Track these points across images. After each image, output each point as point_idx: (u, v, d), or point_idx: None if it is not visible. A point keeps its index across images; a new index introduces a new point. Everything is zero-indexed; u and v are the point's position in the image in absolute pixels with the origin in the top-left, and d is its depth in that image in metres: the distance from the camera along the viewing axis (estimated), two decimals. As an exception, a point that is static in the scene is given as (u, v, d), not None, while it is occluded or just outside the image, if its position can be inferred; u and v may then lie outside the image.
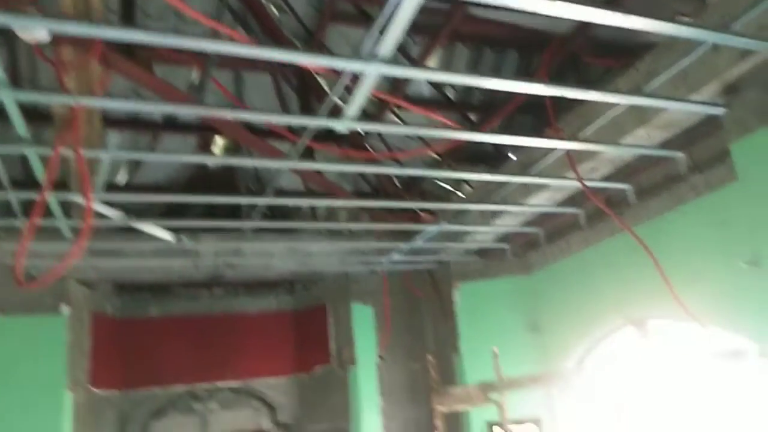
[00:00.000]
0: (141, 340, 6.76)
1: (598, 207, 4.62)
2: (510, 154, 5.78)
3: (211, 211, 6.48)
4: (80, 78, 3.09)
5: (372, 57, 2.48)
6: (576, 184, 4.32)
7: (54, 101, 2.55)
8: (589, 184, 4.34)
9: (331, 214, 6.99)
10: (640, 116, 3.78)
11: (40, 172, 2.94)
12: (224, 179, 6.54)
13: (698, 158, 4.28)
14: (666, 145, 4.15)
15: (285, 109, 5.35)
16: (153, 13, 4.25)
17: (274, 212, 6.85)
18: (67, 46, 2.81)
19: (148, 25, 4.27)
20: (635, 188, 4.80)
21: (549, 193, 4.80)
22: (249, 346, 7.24)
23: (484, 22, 4.80)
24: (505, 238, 6.03)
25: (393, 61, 2.53)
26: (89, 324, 5.93)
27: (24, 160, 4.30)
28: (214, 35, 2.54)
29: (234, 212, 6.14)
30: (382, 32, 2.38)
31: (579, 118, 4.21)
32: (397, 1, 2.16)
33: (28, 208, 4.11)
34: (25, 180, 4.92)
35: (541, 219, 5.65)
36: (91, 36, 2.15)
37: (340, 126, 2.97)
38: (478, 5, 4.49)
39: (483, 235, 5.72)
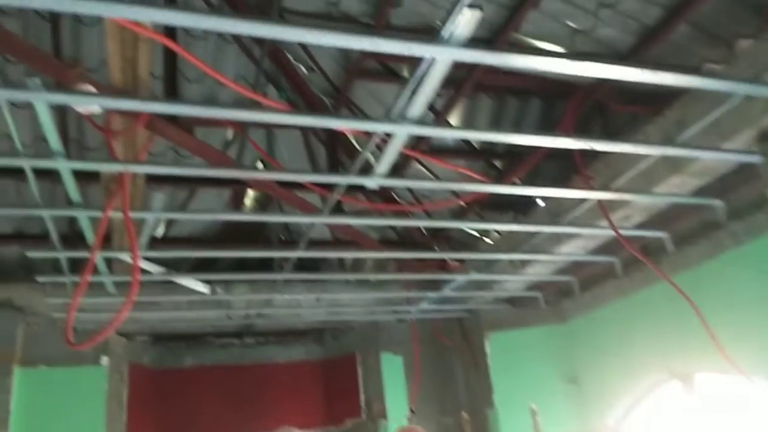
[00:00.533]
0: (175, 390, 6.83)
1: (634, 255, 4.59)
2: (538, 201, 5.83)
3: (243, 261, 6.63)
4: (127, 143, 3.27)
5: (402, 118, 2.58)
6: (609, 232, 4.30)
7: (105, 168, 2.70)
8: (623, 232, 4.31)
9: (358, 263, 7.07)
10: (672, 164, 3.77)
11: (89, 232, 3.09)
12: (255, 229, 6.68)
13: (736, 205, 4.22)
14: (702, 192, 4.10)
15: (313, 162, 5.51)
16: (193, 77, 4.47)
17: (302, 262, 6.94)
18: (116, 115, 2.99)
19: (189, 88, 4.50)
20: (672, 236, 4.74)
21: (581, 241, 4.80)
22: (279, 397, 7.24)
23: (507, 73, 4.92)
24: (537, 286, 6.01)
25: (421, 120, 2.63)
26: (127, 375, 6.03)
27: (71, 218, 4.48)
28: (252, 103, 2.68)
29: (265, 262, 6.26)
30: (413, 93, 2.49)
31: (609, 166, 4.22)
32: (428, 66, 2.27)
33: (74, 263, 4.28)
34: (70, 234, 5.12)
35: (574, 267, 5.62)
36: (140, 110, 2.30)
37: (371, 183, 3.07)
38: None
39: (513, 283, 5.71)
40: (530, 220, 5.05)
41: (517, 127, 5.53)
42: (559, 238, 4.82)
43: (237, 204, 6.30)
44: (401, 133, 2.66)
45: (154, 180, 5.20)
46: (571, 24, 3.91)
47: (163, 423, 6.64)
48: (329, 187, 3.56)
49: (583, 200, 4.28)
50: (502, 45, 4.38)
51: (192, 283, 4.55)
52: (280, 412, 7.15)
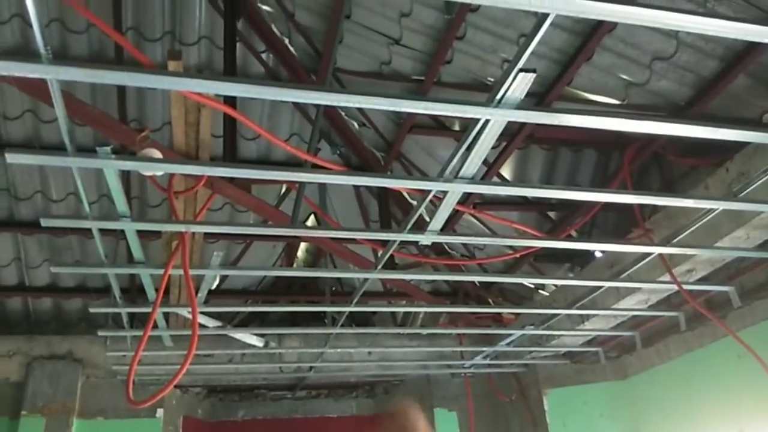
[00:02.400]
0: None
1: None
2: (597, 252, 5.68)
3: (296, 313, 6.68)
4: (188, 201, 3.38)
5: (456, 177, 2.58)
6: (672, 286, 4.14)
7: (167, 228, 2.79)
8: (686, 286, 4.14)
9: (410, 315, 7.00)
10: (737, 217, 3.63)
11: (150, 288, 3.18)
12: (308, 281, 6.74)
13: (805, 257, 4.03)
14: (768, 245, 3.93)
15: (365, 215, 5.56)
16: (250, 135, 4.62)
17: (353, 314, 6.94)
18: (179, 176, 3.10)
19: (247, 145, 4.65)
20: (738, 290, 4.53)
21: (642, 295, 4.62)
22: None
23: (560, 126, 4.88)
24: (597, 341, 5.79)
25: (475, 177, 2.62)
26: (181, 427, 6.07)
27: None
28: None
29: (317, 313, 6.30)
30: (466, 150, 2.48)
31: (670, 218, 4.09)
32: (481, 125, 2.27)
33: (132, 316, 4.41)
34: (130, 287, 5.29)
35: (636, 321, 5.40)
36: (201, 174, 2.37)
37: (425, 239, 3.06)
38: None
39: (572, 338, 5.52)
40: (588, 274, 4.91)
41: (572, 179, 5.46)
42: (619, 292, 4.65)
43: (290, 256, 6.39)
44: (456, 191, 2.66)
45: (211, 235, 5.37)
46: (625, 77, 3.87)
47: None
48: (381, 241, 3.57)
49: (641, 257, 4.14)
50: (554, 99, 4.38)
51: (246, 336, 4.59)
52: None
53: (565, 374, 6.09)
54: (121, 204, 2.36)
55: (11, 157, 1.91)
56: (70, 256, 5.33)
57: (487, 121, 2.24)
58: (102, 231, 3.02)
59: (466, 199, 5.31)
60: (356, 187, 5.53)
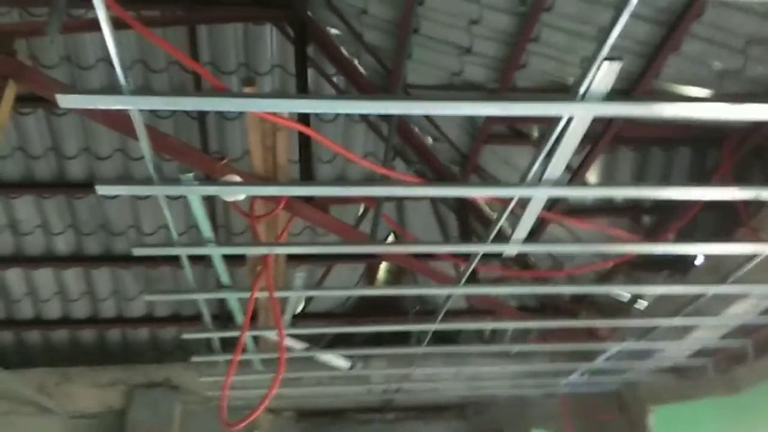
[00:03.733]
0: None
1: (817, 314, 3.97)
2: (698, 258, 5.29)
3: (380, 334, 6.61)
4: (269, 225, 3.40)
5: (538, 181, 2.44)
6: (786, 289, 3.77)
7: (251, 251, 2.81)
8: (802, 289, 3.76)
9: (497, 333, 6.75)
10: None
11: (238, 312, 3.22)
12: (391, 302, 6.67)
13: None
14: None
15: (444, 230, 5.43)
16: (325, 158, 4.65)
17: (438, 333, 6.78)
18: (259, 200, 3.13)
19: (323, 169, 4.68)
20: None
21: (753, 300, 4.23)
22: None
23: (649, 124, 4.61)
24: (703, 352, 5.34)
25: (559, 181, 2.47)
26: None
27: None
28: (383, 178, 2.68)
29: (401, 334, 6.20)
30: (548, 154, 2.35)
31: (777, 215, 3.76)
32: (563, 125, 2.13)
33: (223, 342, 4.49)
34: (220, 314, 5.42)
35: (747, 329, 4.94)
36: (280, 194, 2.37)
37: (509, 250, 2.92)
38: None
39: (676, 351, 5.13)
40: (689, 280, 4.56)
41: (665, 180, 5.13)
42: (725, 299, 4.28)
43: (371, 276, 6.35)
44: (539, 197, 2.52)
45: (294, 258, 5.41)
46: (717, 65, 3.60)
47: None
48: (463, 255, 3.44)
49: (747, 259, 3.78)
50: (641, 95, 4.13)
51: (333, 358, 4.57)
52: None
53: (670, 390, 5.67)
54: (206, 230, 2.39)
55: (102, 189, 1.97)
56: (163, 287, 5.54)
57: (570, 120, 2.11)
58: (191, 259, 3.12)
59: (550, 207, 5.10)
60: (434, 204, 5.43)
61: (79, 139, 4.50)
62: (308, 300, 6.15)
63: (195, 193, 2.05)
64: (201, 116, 4.12)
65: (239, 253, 2.89)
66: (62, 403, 5.46)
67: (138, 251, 2.47)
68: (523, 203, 2.68)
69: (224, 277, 2.82)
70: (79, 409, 5.51)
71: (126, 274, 5.37)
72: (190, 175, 1.94)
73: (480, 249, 2.94)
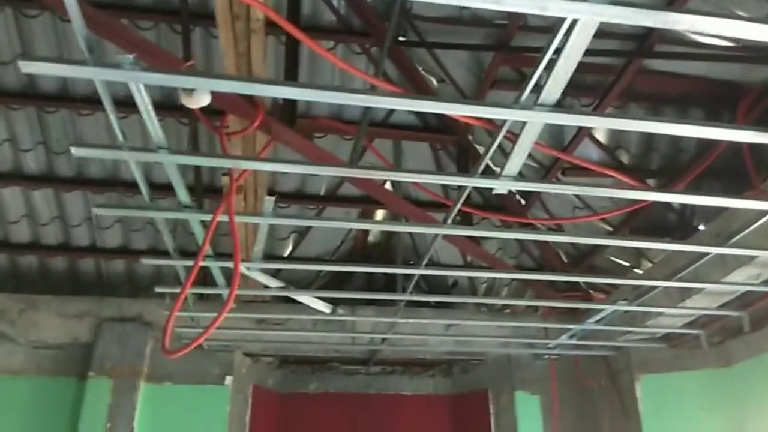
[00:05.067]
0: (299, 414, 6.73)
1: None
2: (699, 225, 5.06)
3: (369, 287, 6.45)
4: (245, 148, 3.18)
5: (534, 104, 2.20)
6: (789, 257, 3.54)
7: (211, 163, 2.59)
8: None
9: (492, 291, 6.59)
10: None
11: (200, 238, 2.99)
12: (382, 253, 6.49)
13: None
14: None
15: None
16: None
17: (431, 288, 6.62)
18: (232, 115, 2.90)
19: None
20: None
21: (754, 269, 4.01)
22: (405, 430, 6.89)
23: (662, 76, 4.34)
24: (698, 322, 5.15)
25: (559, 105, 2.23)
26: (251, 396, 6.00)
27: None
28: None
29: (391, 288, 6.04)
30: (547, 69, 2.10)
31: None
32: (566, 31, 1.88)
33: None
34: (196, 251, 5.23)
35: (744, 299, 4.74)
36: (250, 93, 2.12)
37: (499, 185, 2.69)
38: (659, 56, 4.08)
39: (670, 318, 4.94)
40: (691, 242, 4.33)
41: (675, 143, 4.88)
42: (726, 265, 4.06)
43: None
44: (535, 121, 2.28)
45: (282, 198, 5.21)
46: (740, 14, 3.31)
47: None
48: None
49: (755, 219, 3.54)
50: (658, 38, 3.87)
51: (311, 300, 4.39)
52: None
53: (661, 359, 5.50)
54: (157, 134, 2.15)
55: (25, 66, 1.73)
56: (140, 220, 5.34)
57: (574, 24, 1.85)
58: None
59: (554, 163, 4.87)
60: (433, 149, 5.20)
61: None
62: (297, 243, 5.97)
63: (137, 81, 1.82)
64: (185, 31, 3.84)
65: (196, 163, 2.65)
66: (25, 332, 5.24)
67: (77, 152, 2.22)
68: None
69: (183, 196, 2.59)
70: (42, 339, 5.28)
71: (99, 199, 5.12)
72: (131, 56, 1.70)
73: (468, 182, 2.70)
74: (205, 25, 4.04)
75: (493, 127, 2.66)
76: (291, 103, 3.31)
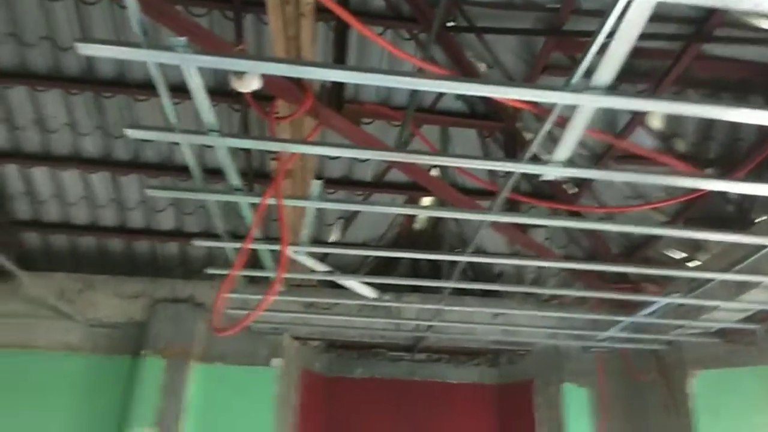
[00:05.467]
0: (344, 398, 6.82)
1: None
2: (757, 218, 4.85)
3: (414, 274, 6.46)
4: (293, 133, 3.22)
5: (586, 87, 2.15)
6: None
7: (261, 146, 2.63)
8: None
9: (539, 281, 6.50)
10: None
11: (250, 221, 3.05)
12: (428, 241, 6.48)
13: None
14: None
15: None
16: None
17: (477, 276, 6.58)
18: (281, 100, 2.94)
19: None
20: None
21: (819, 262, 3.83)
22: (449, 418, 6.90)
23: (720, 61, 4.17)
24: (755, 317, 4.95)
25: (612, 89, 2.17)
26: (298, 378, 6.12)
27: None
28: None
29: (437, 276, 6.04)
30: (600, 52, 2.04)
31: None
32: (621, 10, 1.83)
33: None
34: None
35: (807, 295, 4.53)
36: (299, 75, 2.14)
37: (549, 171, 2.64)
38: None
39: (726, 312, 4.77)
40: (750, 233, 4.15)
41: (734, 133, 4.68)
42: (789, 258, 3.89)
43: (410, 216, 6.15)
44: (586, 104, 2.22)
45: (329, 184, 5.26)
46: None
47: (330, 430, 6.65)
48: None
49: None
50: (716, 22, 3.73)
51: (358, 286, 4.42)
52: (448, 434, 6.82)
53: (714, 355, 5.32)
54: (209, 117, 2.20)
55: (84, 48, 1.79)
56: (193, 203, 5.48)
57: (629, 4, 1.80)
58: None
59: (607, 150, 4.75)
60: (481, 136, 5.15)
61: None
62: (344, 229, 6.02)
63: (189, 63, 1.86)
64: (237, 17, 3.90)
65: (246, 146, 2.68)
66: (83, 311, 5.48)
67: (132, 133, 2.29)
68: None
69: (233, 179, 2.64)
70: (99, 318, 5.51)
71: (154, 183, 5.26)
72: (183, 39, 1.74)
73: (517, 168, 2.67)
74: (257, 12, 4.09)
75: (543, 112, 2.61)
76: (339, 88, 3.33)
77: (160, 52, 1.81)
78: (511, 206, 4.71)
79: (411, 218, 6.25)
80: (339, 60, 3.28)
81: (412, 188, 5.38)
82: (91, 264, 5.92)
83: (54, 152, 5.07)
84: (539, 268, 6.33)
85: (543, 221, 3.37)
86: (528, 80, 4.47)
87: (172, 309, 5.46)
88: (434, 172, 5.20)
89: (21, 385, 5.28)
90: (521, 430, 6.50)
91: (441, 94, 4.78)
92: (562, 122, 2.45)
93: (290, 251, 3.48)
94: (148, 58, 1.85)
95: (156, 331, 5.35)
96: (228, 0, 4.04)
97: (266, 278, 4.34)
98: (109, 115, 4.81)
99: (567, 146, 2.54)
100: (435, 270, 6.35)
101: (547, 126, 2.42)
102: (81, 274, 5.69)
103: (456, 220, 6.18)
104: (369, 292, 4.54)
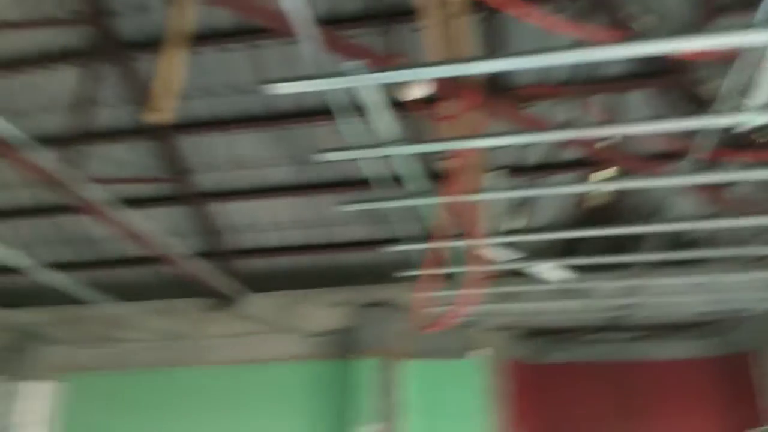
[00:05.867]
0: (549, 384, 6.74)
1: None
2: None
3: (599, 252, 6.13)
4: (460, 130, 3.28)
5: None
6: None
7: (436, 147, 2.72)
8: None
9: (740, 241, 5.84)
10: None
11: (434, 222, 3.16)
12: (610, 217, 6.13)
13: None
14: None
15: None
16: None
17: (669, 246, 6.08)
18: (447, 100, 3.02)
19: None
20: None
21: None
22: (660, 399, 6.49)
23: None
24: None
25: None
26: (501, 368, 6.22)
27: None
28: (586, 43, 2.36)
29: (620, 251, 5.68)
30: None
31: None
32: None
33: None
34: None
35: None
36: (467, 73, 2.20)
37: (748, 119, 2.41)
38: None
39: None
40: None
41: None
42: None
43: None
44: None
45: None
46: None
47: (540, 417, 6.57)
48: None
49: None
50: None
51: (548, 270, 4.35)
52: (663, 416, 6.39)
53: None
54: (391, 128, 2.33)
55: (271, 88, 1.99)
56: (381, 212, 5.78)
57: None
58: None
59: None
60: (654, 97, 4.80)
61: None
62: (523, 216, 5.94)
63: (364, 83, 1.99)
64: (388, 31, 4.05)
65: (424, 150, 2.76)
66: (299, 323, 6.10)
67: (327, 156, 2.50)
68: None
69: (417, 182, 2.75)
70: (312, 328, 6.10)
71: (343, 199, 5.64)
72: (357, 62, 1.87)
73: (709, 123, 2.48)
74: (403, 22, 4.22)
75: (726, 59, 2.41)
76: (496, 77, 3.33)
77: (340, 78, 1.98)
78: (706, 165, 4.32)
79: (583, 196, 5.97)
80: (492, 48, 3.26)
81: (586, 164, 5.17)
82: (302, 280, 6.52)
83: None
84: (745, 227, 5.70)
85: (748, 174, 3.06)
86: (700, 27, 4.08)
87: (374, 313, 5.87)
88: (600, 144, 4.94)
89: (252, 395, 5.98)
90: (743, 406, 5.93)
91: (601, 63, 4.54)
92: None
93: (478, 245, 3.53)
94: (331, 86, 2.02)
95: (363, 335, 5.79)
96: (374, 17, 4.23)
97: (458, 274, 4.43)
98: (292, 145, 5.31)
99: (765, 89, 2.31)
100: (617, 245, 6.00)
101: (746, 70, 2.21)
102: (293, 290, 6.32)
103: (637, 190, 5.79)
104: (562, 274, 4.43)
